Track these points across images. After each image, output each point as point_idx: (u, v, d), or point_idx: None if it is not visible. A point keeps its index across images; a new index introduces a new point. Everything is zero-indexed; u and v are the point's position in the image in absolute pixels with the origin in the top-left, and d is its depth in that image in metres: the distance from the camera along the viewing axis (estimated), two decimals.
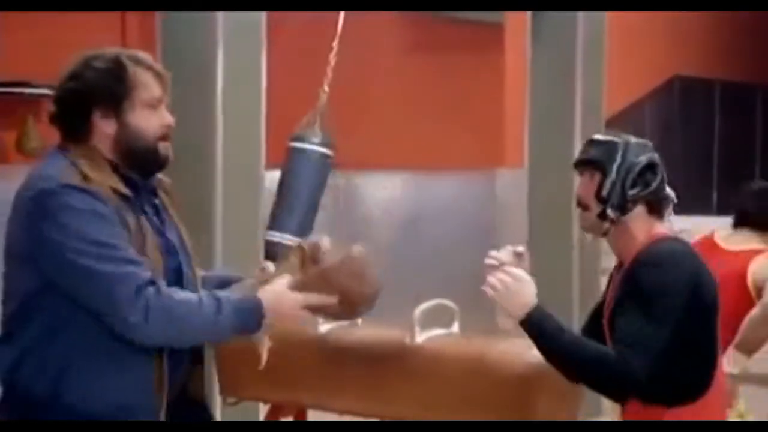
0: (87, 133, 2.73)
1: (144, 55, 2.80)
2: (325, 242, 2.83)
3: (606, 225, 3.09)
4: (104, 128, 2.72)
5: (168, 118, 2.79)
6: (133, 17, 5.69)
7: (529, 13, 6.95)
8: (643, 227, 3.09)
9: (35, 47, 5.24)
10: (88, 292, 2.62)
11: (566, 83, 6.88)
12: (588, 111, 6.88)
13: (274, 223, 4.74)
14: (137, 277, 2.60)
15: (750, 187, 4.89)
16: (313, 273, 2.78)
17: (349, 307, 2.78)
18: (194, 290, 2.78)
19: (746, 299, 4.50)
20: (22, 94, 5.25)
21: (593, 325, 3.25)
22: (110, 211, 2.64)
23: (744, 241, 4.65)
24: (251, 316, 2.70)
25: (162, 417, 2.73)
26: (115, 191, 2.68)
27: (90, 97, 2.71)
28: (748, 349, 4.47)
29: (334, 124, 4.86)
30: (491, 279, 3.01)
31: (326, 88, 4.89)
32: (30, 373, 2.67)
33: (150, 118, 2.74)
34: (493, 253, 3.18)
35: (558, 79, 6.90)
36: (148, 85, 2.75)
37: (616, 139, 3.11)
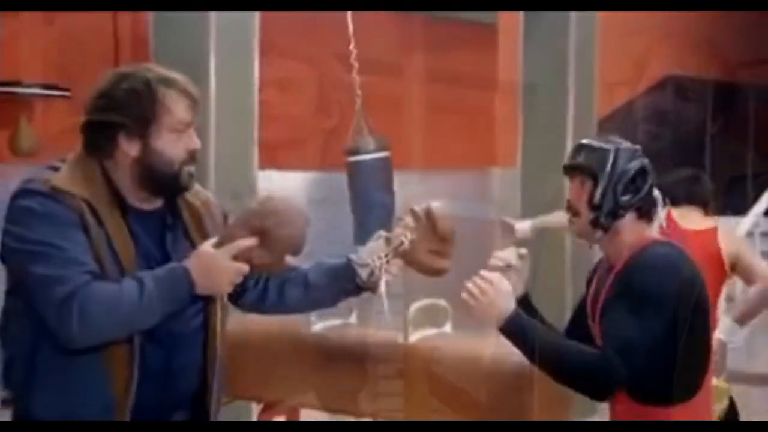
0: (110, 151, 2.69)
1: (177, 76, 2.75)
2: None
3: (599, 233, 3.09)
4: (128, 149, 2.68)
5: (194, 142, 2.75)
6: (125, 17, 5.69)
7: (521, 13, 6.95)
8: (633, 232, 3.08)
9: (28, 47, 5.24)
10: (31, 294, 2.59)
11: (559, 83, 6.88)
12: (580, 111, 6.89)
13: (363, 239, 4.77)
14: (69, 282, 2.54)
15: (677, 174, 4.93)
16: (231, 224, 2.73)
17: (274, 250, 2.69)
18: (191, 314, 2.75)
19: (721, 276, 4.62)
20: (14, 93, 5.25)
21: (576, 327, 3.24)
22: (66, 213, 2.58)
23: (697, 217, 4.76)
24: (178, 286, 2.61)
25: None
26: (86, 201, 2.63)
27: (116, 118, 2.67)
28: (745, 320, 4.62)
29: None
30: (470, 286, 2.98)
31: (359, 92, 4.93)
32: (9, 374, 2.69)
33: (176, 143, 2.71)
34: (499, 253, 3.19)
35: (551, 79, 6.90)
36: (176, 110, 2.70)
37: (607, 146, 3.08)
